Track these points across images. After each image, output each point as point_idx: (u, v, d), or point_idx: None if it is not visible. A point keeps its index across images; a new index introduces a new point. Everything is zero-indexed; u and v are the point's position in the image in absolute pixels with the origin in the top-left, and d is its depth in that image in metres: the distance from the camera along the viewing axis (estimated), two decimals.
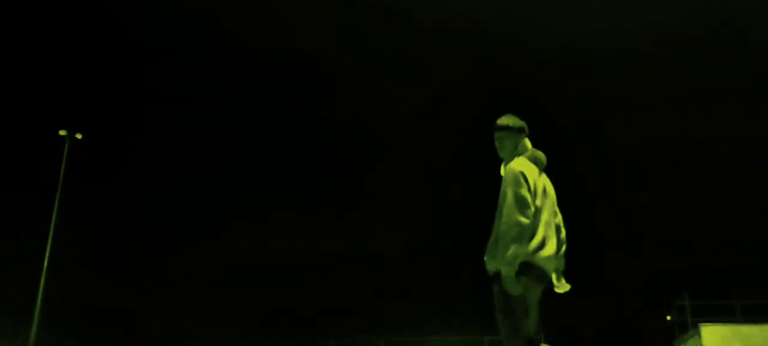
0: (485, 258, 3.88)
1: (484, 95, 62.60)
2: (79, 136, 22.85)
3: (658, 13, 58.68)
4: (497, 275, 3.73)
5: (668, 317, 25.74)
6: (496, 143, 4.16)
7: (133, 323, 42.82)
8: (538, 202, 3.85)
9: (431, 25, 63.04)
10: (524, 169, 3.86)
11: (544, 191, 3.95)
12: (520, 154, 4.06)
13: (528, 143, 4.13)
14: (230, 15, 63.00)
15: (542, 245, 3.77)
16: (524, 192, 3.75)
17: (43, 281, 21.45)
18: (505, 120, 4.14)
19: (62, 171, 22.45)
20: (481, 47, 62.48)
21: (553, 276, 4.11)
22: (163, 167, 58.61)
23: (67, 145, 22.77)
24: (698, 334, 21.56)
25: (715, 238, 50.28)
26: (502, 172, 4.10)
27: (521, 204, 3.71)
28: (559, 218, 4.12)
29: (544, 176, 4.05)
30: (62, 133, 22.74)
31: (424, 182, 61.15)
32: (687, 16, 58.01)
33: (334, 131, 63.39)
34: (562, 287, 4.13)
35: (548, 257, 3.79)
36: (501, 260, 3.63)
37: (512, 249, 3.60)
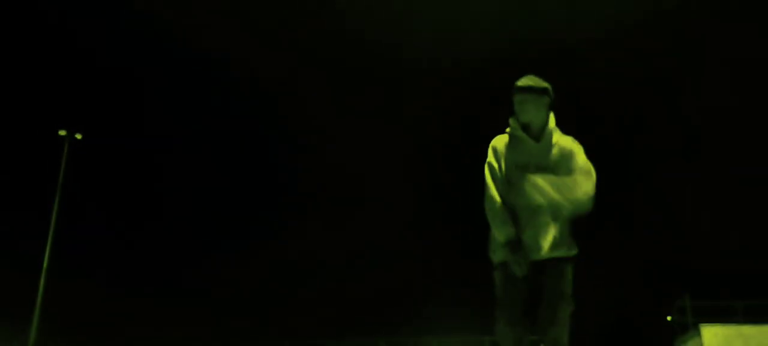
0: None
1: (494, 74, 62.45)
2: (78, 136, 22.72)
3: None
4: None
5: (669, 318, 25.65)
6: (534, 105, 3.55)
7: (132, 328, 42.76)
8: None
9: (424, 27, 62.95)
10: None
11: None
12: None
13: None
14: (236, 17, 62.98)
15: None
16: None
17: (42, 282, 21.34)
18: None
19: (62, 171, 22.32)
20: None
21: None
22: (166, 169, 58.52)
23: (66, 146, 22.65)
24: (699, 334, 21.50)
25: (718, 239, 50.23)
26: (551, 137, 3.60)
27: None
28: None
29: None
30: (62, 133, 22.62)
31: (424, 180, 61.09)
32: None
33: (332, 130, 63.37)
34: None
35: None
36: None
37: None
